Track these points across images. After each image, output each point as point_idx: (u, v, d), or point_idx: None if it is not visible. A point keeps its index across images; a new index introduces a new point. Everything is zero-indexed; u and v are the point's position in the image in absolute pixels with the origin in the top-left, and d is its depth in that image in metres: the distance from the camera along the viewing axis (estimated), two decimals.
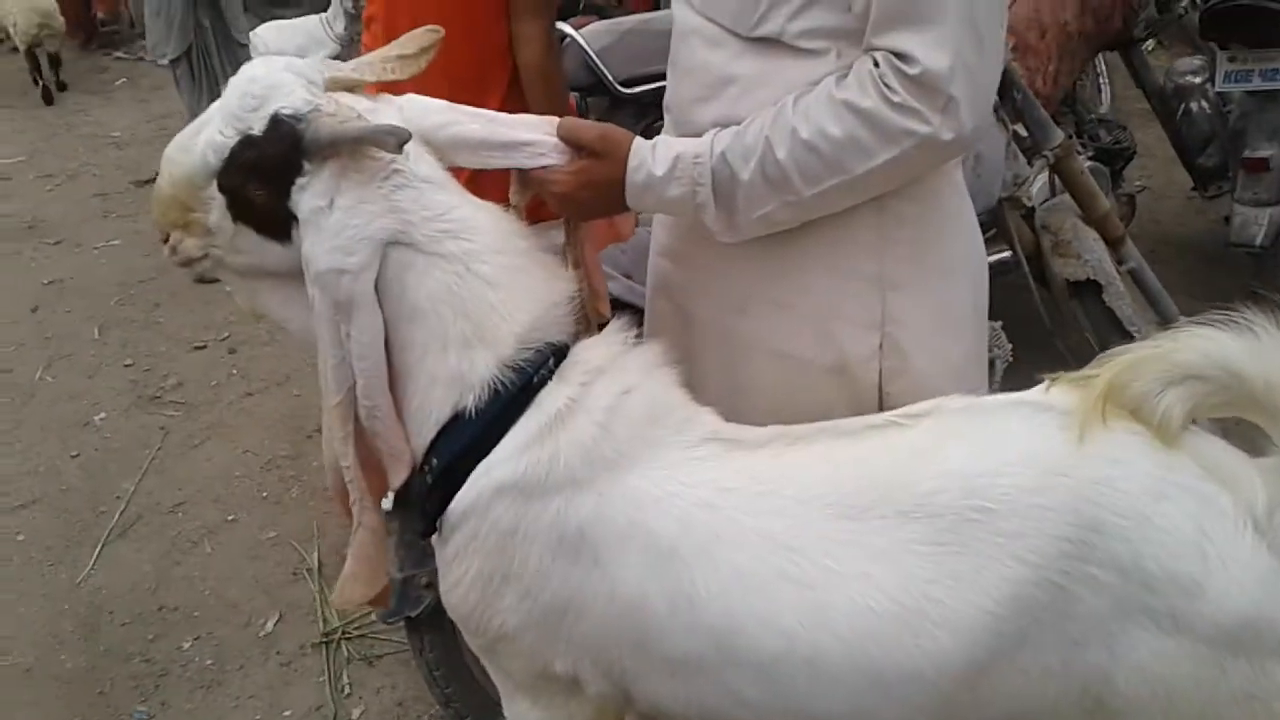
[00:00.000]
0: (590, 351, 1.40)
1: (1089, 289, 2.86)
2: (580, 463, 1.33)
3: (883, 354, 1.48)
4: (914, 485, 1.26)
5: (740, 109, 1.39)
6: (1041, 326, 2.96)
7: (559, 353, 1.39)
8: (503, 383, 1.35)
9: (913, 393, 1.50)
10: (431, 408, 1.37)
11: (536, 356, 1.37)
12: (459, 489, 1.37)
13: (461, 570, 1.41)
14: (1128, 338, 2.80)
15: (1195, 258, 4.18)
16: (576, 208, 1.46)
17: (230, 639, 2.71)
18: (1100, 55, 4.16)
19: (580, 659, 1.41)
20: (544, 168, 1.41)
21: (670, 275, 1.60)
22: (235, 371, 4.05)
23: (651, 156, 1.39)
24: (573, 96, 3.37)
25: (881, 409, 1.51)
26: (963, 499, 1.23)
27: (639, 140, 1.41)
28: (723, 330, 1.49)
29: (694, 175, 1.37)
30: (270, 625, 2.74)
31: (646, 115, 3.85)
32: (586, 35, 4.09)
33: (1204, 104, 3.71)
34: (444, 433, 1.37)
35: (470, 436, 1.36)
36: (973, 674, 1.24)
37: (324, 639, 2.66)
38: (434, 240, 1.35)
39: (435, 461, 1.38)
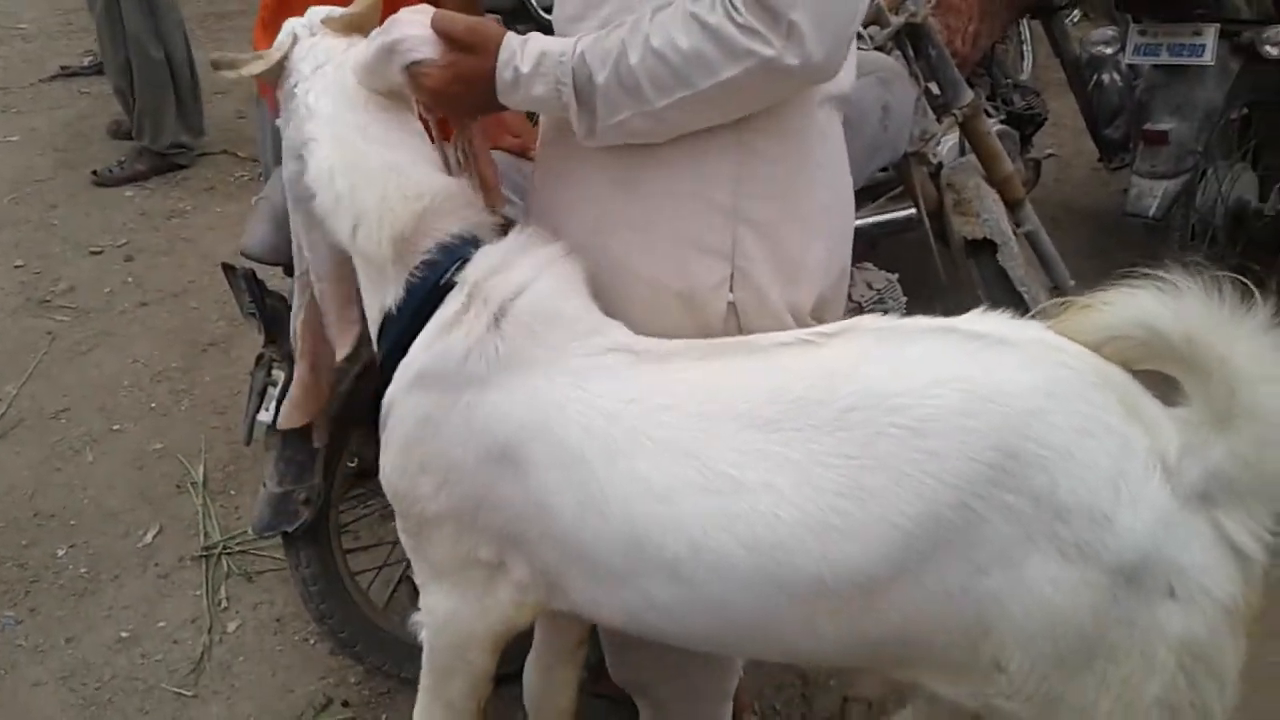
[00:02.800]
0: (494, 250, 1.46)
1: (985, 248, 2.91)
2: (478, 361, 1.39)
3: (734, 284, 1.49)
4: (828, 401, 1.28)
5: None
6: (938, 283, 3.01)
7: (469, 248, 1.46)
8: (413, 281, 1.45)
9: (766, 330, 1.53)
10: (370, 304, 1.53)
11: (445, 254, 1.45)
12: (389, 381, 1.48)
13: (390, 455, 1.50)
14: (1018, 298, 2.87)
15: (1095, 226, 4.28)
16: (449, 103, 1.48)
17: (107, 548, 2.67)
18: (1025, 22, 4.21)
19: (504, 547, 1.46)
20: (417, 63, 1.42)
21: (542, 191, 1.61)
22: (130, 279, 3.94)
23: (520, 52, 1.38)
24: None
25: None
26: (883, 416, 1.26)
27: (510, 35, 1.40)
28: (590, 252, 1.50)
29: (557, 74, 1.37)
30: (150, 537, 2.70)
31: None
32: None
33: (1115, 76, 3.78)
34: (382, 327, 1.50)
35: (395, 333, 1.48)
36: (874, 585, 1.28)
37: (204, 553, 2.64)
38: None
39: (379, 353, 1.52)
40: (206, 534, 2.69)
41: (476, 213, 1.50)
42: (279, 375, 2.01)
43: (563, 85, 1.36)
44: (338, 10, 1.60)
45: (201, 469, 2.90)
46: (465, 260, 1.44)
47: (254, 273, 1.98)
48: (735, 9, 1.27)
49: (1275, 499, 1.23)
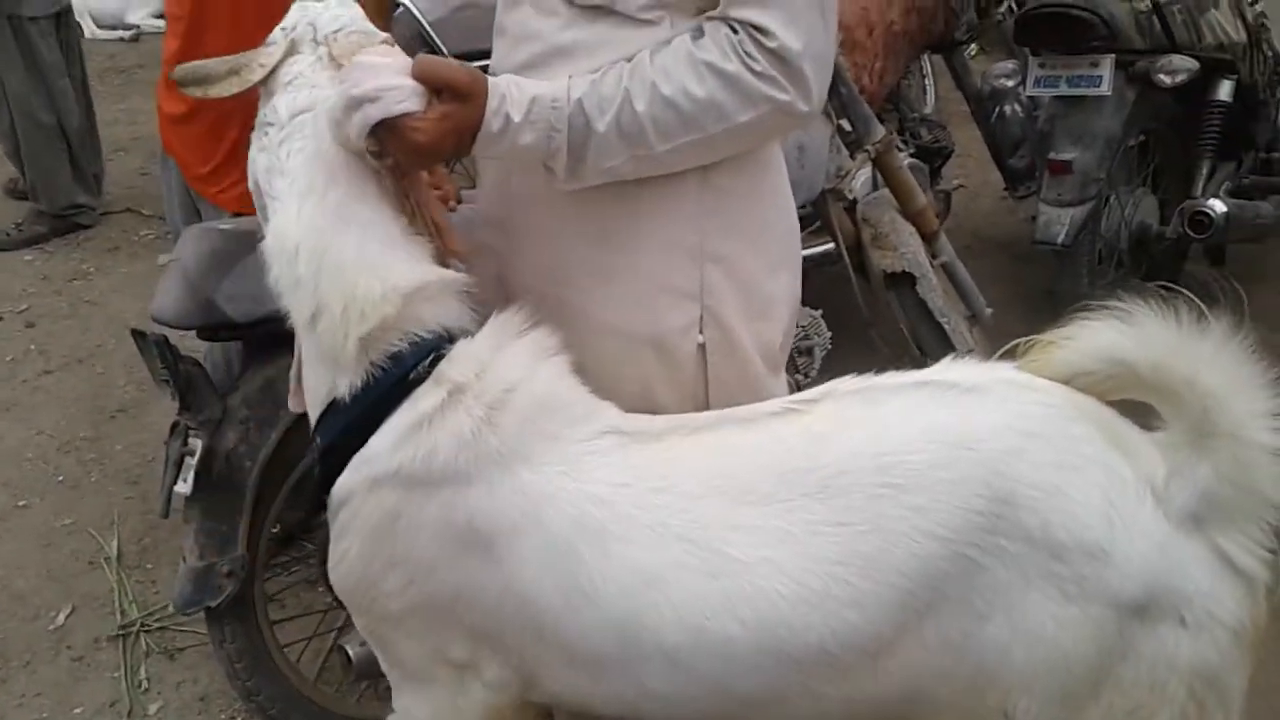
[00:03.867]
0: (474, 344, 1.37)
1: (904, 280, 2.95)
2: (462, 458, 1.32)
3: (703, 325, 1.49)
4: (818, 468, 1.27)
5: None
6: (859, 316, 3.04)
7: (442, 342, 1.36)
8: (374, 376, 1.33)
9: (736, 370, 1.52)
10: (314, 385, 1.39)
11: (414, 348, 1.34)
12: (342, 469, 1.36)
13: (344, 547, 1.40)
14: (938, 328, 2.91)
15: (1006, 254, 4.38)
16: (432, 158, 1.38)
17: (16, 632, 2.53)
18: (927, 57, 4.31)
19: (477, 645, 1.39)
20: (406, 114, 1.28)
21: (493, 245, 1.57)
22: (33, 347, 3.78)
23: (510, 98, 1.33)
24: None
25: (706, 387, 1.53)
26: (870, 477, 1.25)
27: (493, 80, 1.35)
28: (544, 301, 1.46)
29: (551, 120, 1.33)
30: (62, 618, 2.57)
31: None
32: (421, 5, 3.98)
33: (1016, 107, 3.89)
34: (325, 413, 1.39)
35: (343, 423, 1.36)
36: (878, 648, 1.26)
37: (121, 632, 2.51)
38: None
39: (319, 439, 1.40)
40: (123, 612, 2.56)
41: (449, 305, 1.38)
42: (196, 444, 1.93)
43: (556, 132, 1.33)
44: (359, 20, 1.39)
45: (115, 543, 2.77)
46: (438, 355, 1.35)
47: (166, 339, 1.90)
48: (752, 57, 1.30)
49: (1265, 514, 1.25)
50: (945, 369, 1.37)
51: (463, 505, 1.32)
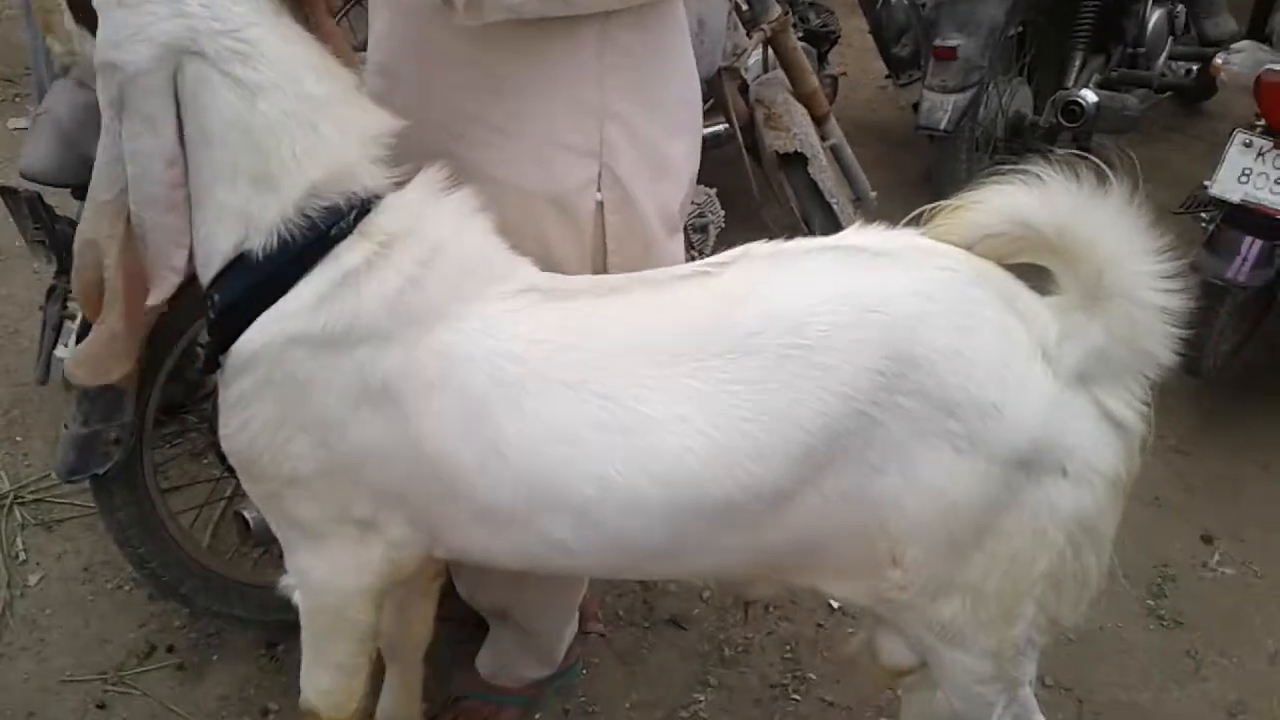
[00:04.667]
0: (403, 199, 1.34)
1: (796, 161, 3.01)
2: (386, 317, 1.30)
3: (601, 184, 1.49)
4: (729, 328, 1.29)
5: None
6: (751, 196, 3.08)
7: (364, 204, 1.31)
8: (292, 232, 1.29)
9: (634, 229, 1.53)
10: (217, 240, 1.32)
11: (329, 210, 1.30)
12: (241, 330, 1.31)
13: (247, 415, 1.36)
14: (828, 209, 2.98)
15: (884, 142, 4.48)
16: None
17: None
18: None
19: (381, 504, 1.38)
20: None
21: (385, 96, 1.52)
22: None
23: None
24: None
25: (604, 246, 1.53)
26: (779, 338, 1.28)
27: None
28: (448, 158, 1.44)
29: None
30: None
31: None
32: None
33: None
34: (228, 270, 1.32)
35: (254, 280, 1.31)
36: (779, 499, 1.31)
37: None
38: (224, 59, 1.25)
39: (218, 297, 1.33)
40: None
41: (371, 164, 1.34)
42: (75, 308, 1.84)
43: None
44: None
45: None
46: (362, 210, 1.31)
47: (40, 196, 1.80)
48: None
49: (1147, 370, 1.34)
50: (854, 234, 1.41)
51: (380, 365, 1.31)
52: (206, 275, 1.36)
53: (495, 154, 1.47)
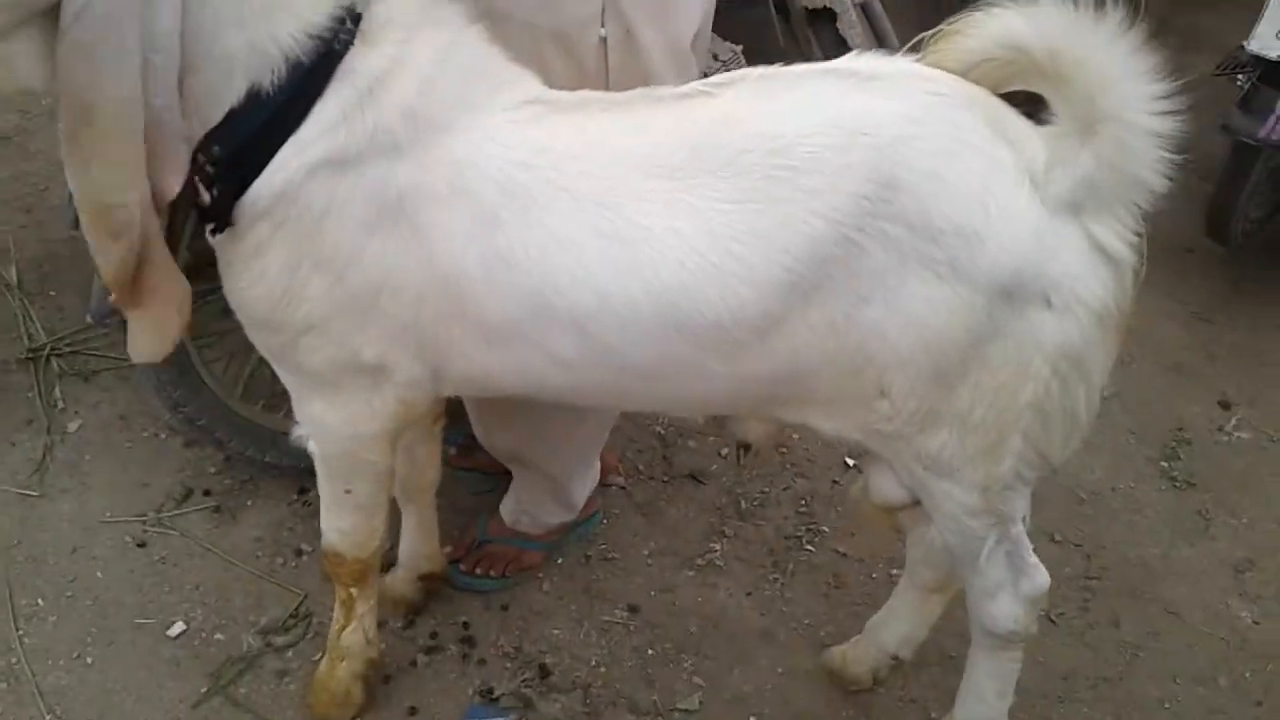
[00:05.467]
0: (392, 9, 1.33)
1: (824, 17, 2.93)
2: (403, 126, 1.31)
3: (605, 18, 1.48)
4: (723, 146, 1.30)
5: None
6: (778, 53, 3.02)
7: (354, 13, 1.31)
8: (301, 55, 1.28)
9: (637, 66, 1.53)
10: (220, 92, 1.30)
11: (333, 21, 1.29)
12: (253, 177, 1.31)
13: (263, 264, 1.37)
14: None
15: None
16: None
17: None
18: None
19: (392, 342, 1.42)
20: None
21: None
22: None
23: None
24: None
25: (607, 83, 1.53)
26: (769, 159, 1.28)
27: None
28: None
29: None
30: None
31: None
32: None
33: None
34: (230, 119, 1.30)
35: (268, 115, 1.30)
36: (766, 325, 1.33)
37: (29, 355, 2.48)
38: None
39: (218, 149, 1.32)
40: (30, 336, 2.52)
41: None
42: None
43: None
44: None
45: (14, 270, 2.69)
46: (349, 25, 1.30)
47: None
48: None
49: (1138, 198, 1.33)
50: (849, 60, 1.40)
51: (394, 181, 1.33)
52: (196, 138, 1.32)
53: None
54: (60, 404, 2.39)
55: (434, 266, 1.35)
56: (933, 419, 1.42)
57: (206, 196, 1.34)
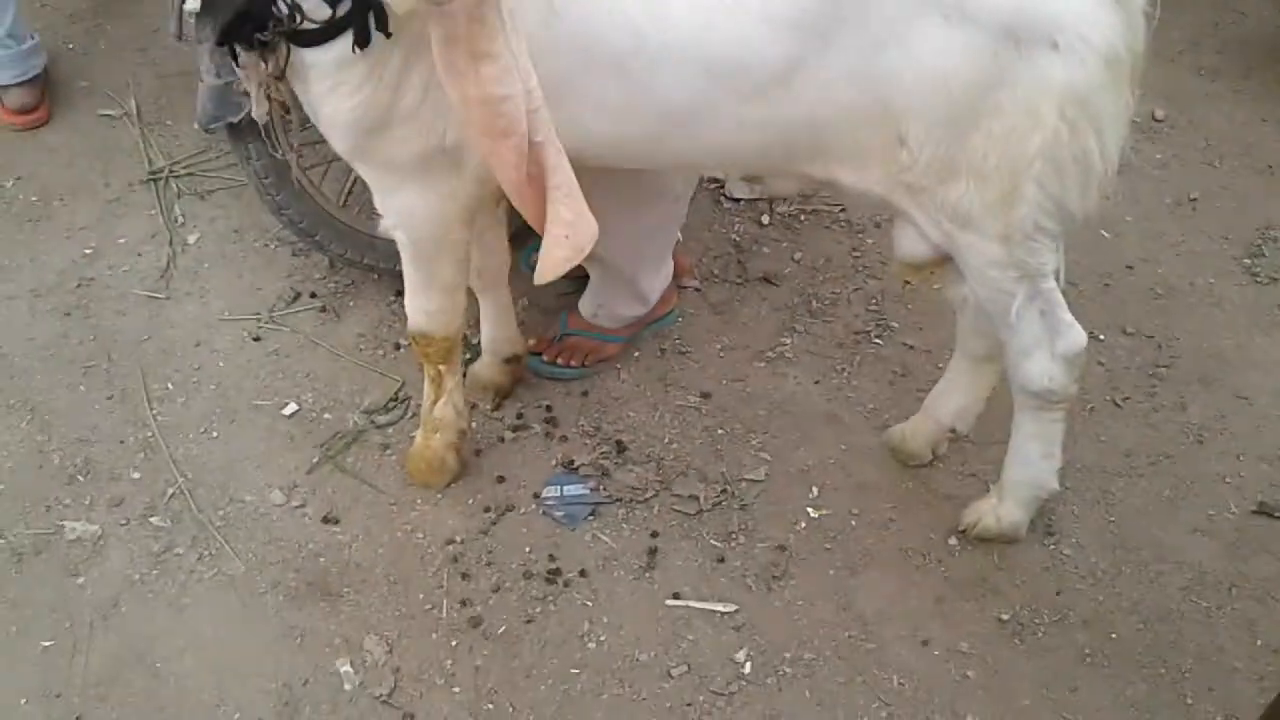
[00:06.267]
0: None
1: None
2: None
3: None
4: None
5: None
6: None
7: None
8: None
9: None
10: None
11: None
12: None
13: (381, 68, 1.46)
14: None
15: None
16: None
17: (53, 177, 2.69)
18: None
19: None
20: None
21: None
22: None
23: None
24: None
25: None
26: None
27: None
28: None
29: None
30: (95, 163, 2.73)
31: None
32: None
33: None
34: None
35: None
36: (787, 70, 1.42)
37: (151, 176, 2.68)
38: None
39: None
40: (150, 160, 2.72)
41: None
42: None
43: None
44: None
45: (133, 102, 2.88)
46: None
47: None
48: None
49: None
50: None
51: None
52: None
53: None
54: (180, 219, 2.59)
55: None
56: (950, 168, 1.48)
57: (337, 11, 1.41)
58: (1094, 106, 1.42)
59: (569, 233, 1.46)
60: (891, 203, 1.59)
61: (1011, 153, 1.45)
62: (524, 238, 2.15)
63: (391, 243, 2.06)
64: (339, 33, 1.46)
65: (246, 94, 2.07)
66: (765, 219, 2.65)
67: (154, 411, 2.19)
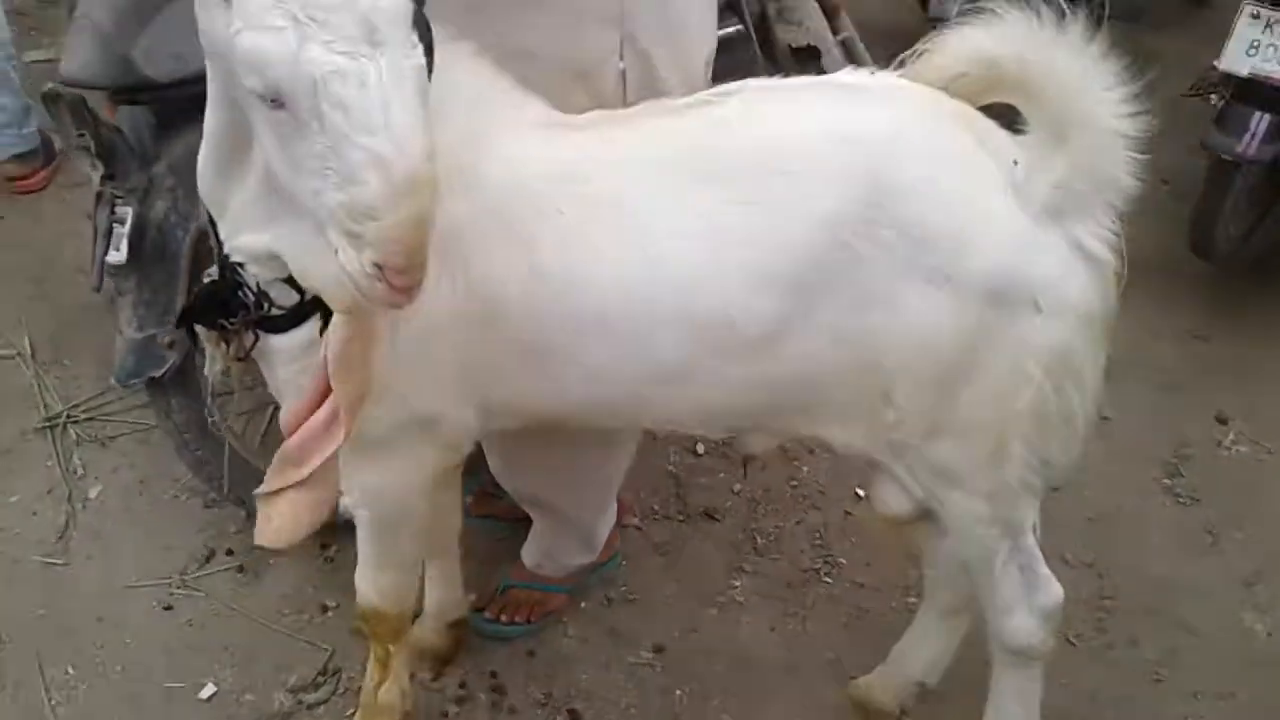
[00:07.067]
0: None
1: (809, 55, 3.01)
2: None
3: (623, 51, 1.54)
4: (725, 151, 1.37)
5: None
6: None
7: None
8: None
9: (654, 96, 1.57)
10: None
11: None
12: None
13: (342, 335, 1.36)
14: None
15: (890, 41, 4.42)
16: None
17: None
18: None
19: (443, 387, 1.45)
20: None
21: None
22: None
23: None
24: None
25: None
26: (768, 163, 1.36)
27: None
28: (467, 30, 1.44)
29: None
30: None
31: None
32: None
33: None
34: None
35: None
36: (774, 328, 1.39)
37: (47, 423, 2.50)
38: None
39: None
40: (46, 405, 2.54)
41: None
42: (125, 211, 1.89)
43: None
44: None
45: (26, 340, 2.71)
46: None
47: (84, 99, 1.82)
48: None
49: (1113, 198, 1.39)
50: (842, 75, 1.49)
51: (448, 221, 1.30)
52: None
53: (516, 23, 1.50)
54: (80, 471, 2.41)
55: (476, 296, 1.39)
56: (937, 426, 1.48)
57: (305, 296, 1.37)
58: (1076, 363, 1.45)
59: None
60: (875, 459, 1.57)
61: (1000, 411, 1.45)
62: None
63: None
64: (306, 317, 1.40)
65: (171, 347, 1.98)
66: (700, 447, 2.62)
67: (53, 703, 1.97)
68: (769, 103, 1.43)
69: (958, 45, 1.41)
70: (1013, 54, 1.36)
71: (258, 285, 1.38)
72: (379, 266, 1.07)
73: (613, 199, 1.38)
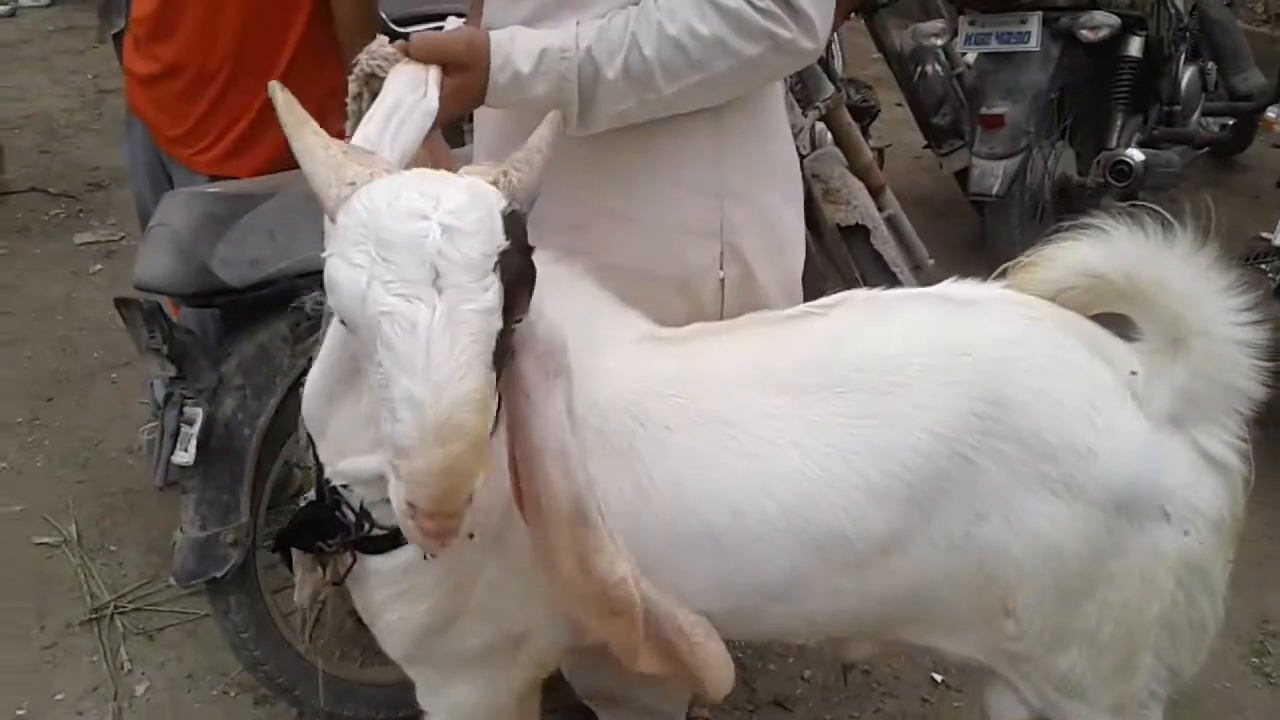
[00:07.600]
0: None
1: (858, 233, 3.05)
2: None
3: (723, 261, 1.53)
4: (836, 364, 1.35)
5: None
6: (813, 271, 3.11)
7: None
8: None
9: (755, 304, 1.57)
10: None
11: None
12: None
13: (441, 569, 1.35)
14: (892, 277, 3.01)
15: (926, 210, 4.53)
16: (445, 122, 1.38)
17: None
18: None
19: (539, 605, 1.40)
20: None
21: None
22: None
23: (513, 53, 1.34)
24: None
25: (722, 319, 1.57)
26: (880, 376, 1.33)
27: (493, 35, 1.36)
28: (564, 246, 1.46)
29: (560, 70, 1.35)
30: (25, 606, 2.46)
31: None
32: None
33: (937, 66, 4.02)
34: None
35: None
36: (889, 541, 1.34)
37: (93, 615, 2.42)
38: None
39: None
40: (93, 595, 2.47)
41: None
42: (195, 413, 1.88)
43: (567, 82, 1.34)
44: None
45: (73, 528, 2.66)
46: None
47: (160, 306, 1.85)
48: None
49: (1237, 405, 1.36)
50: (944, 286, 1.46)
51: None
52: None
53: (617, 241, 1.51)
54: (127, 666, 2.32)
55: None
56: (1061, 638, 1.40)
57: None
58: (1206, 570, 1.39)
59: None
60: (992, 669, 1.49)
61: (1129, 622, 1.38)
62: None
63: (371, 688, 1.88)
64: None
65: (233, 545, 1.93)
66: None
67: None
68: (875, 316, 1.41)
69: (1065, 259, 1.40)
70: (1120, 269, 1.35)
71: (361, 505, 1.34)
72: (411, 505, 1.04)
73: (719, 414, 1.34)
